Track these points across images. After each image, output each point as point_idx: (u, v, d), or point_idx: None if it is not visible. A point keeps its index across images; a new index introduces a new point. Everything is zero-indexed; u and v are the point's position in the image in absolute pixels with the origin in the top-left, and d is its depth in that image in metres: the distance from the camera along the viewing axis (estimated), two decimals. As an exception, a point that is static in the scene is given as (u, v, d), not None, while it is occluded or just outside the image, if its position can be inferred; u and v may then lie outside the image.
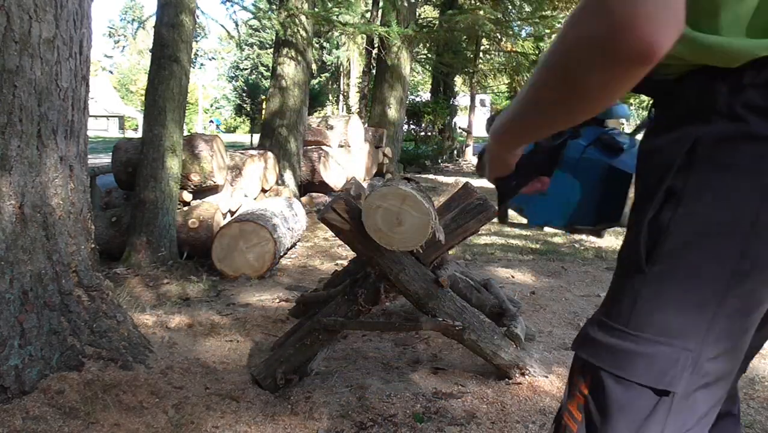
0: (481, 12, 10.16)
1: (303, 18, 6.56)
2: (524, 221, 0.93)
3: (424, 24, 12.16)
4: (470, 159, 16.90)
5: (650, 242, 0.69)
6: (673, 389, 0.66)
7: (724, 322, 0.66)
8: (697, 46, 0.64)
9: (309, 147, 7.14)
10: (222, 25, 6.88)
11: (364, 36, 11.80)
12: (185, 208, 4.35)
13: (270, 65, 8.45)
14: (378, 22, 9.65)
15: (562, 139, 0.92)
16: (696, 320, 0.66)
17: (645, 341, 0.67)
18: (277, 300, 3.29)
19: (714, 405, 0.71)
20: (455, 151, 16.93)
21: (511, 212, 1.01)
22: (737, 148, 0.64)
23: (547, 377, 2.14)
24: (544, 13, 11.71)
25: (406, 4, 9.84)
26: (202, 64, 53.07)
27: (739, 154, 0.64)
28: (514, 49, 16.74)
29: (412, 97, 18.29)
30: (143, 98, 4.65)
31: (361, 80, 20.77)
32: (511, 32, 12.63)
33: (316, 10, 6.66)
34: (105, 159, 10.69)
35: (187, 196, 4.39)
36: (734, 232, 0.64)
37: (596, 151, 0.92)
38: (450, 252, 2.86)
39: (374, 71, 12.20)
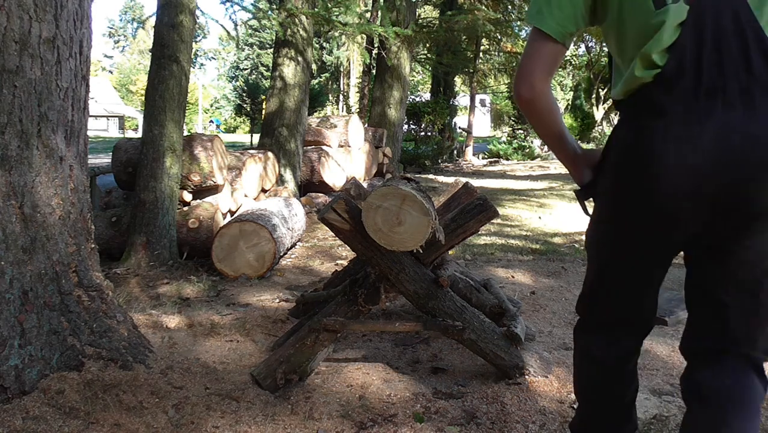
0: (481, 12, 10.15)
1: (303, 18, 6.56)
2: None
3: (424, 24, 12.16)
4: (470, 159, 16.90)
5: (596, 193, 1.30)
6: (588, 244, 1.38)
7: (601, 238, 1.30)
8: (615, 91, 1.23)
9: (309, 147, 7.14)
10: (222, 26, 6.87)
11: (364, 36, 11.80)
12: (185, 209, 4.35)
13: (270, 65, 8.45)
14: (378, 22, 9.65)
15: None
16: (590, 232, 1.33)
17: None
18: (277, 300, 3.29)
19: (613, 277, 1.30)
20: (455, 151, 16.92)
21: None
22: (610, 146, 1.23)
23: (547, 377, 2.14)
24: (543, 13, 11.69)
25: (405, 5, 9.84)
26: (202, 64, 53.16)
27: (611, 150, 1.22)
28: (514, 50, 16.75)
29: (412, 97, 18.27)
30: (143, 98, 4.65)
31: (361, 80, 20.77)
32: (510, 32, 12.63)
33: (316, 10, 6.66)
34: (105, 159, 10.69)
35: (187, 196, 4.39)
36: (606, 192, 1.25)
37: None
38: (450, 252, 2.86)
39: (374, 71, 12.20)
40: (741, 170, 1.05)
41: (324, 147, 7.24)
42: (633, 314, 1.32)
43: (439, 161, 14.97)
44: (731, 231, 1.12)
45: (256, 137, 10.00)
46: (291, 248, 4.76)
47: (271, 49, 8.97)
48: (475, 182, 9.42)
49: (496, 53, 16.94)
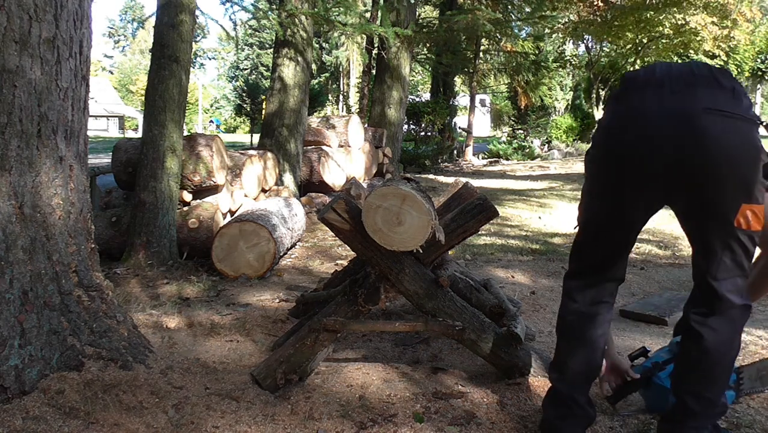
0: (480, 12, 10.14)
1: (302, 18, 6.56)
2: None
3: (424, 24, 12.16)
4: (470, 159, 16.90)
5: None
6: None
7: (586, 200, 1.71)
8: None
9: (309, 147, 7.14)
10: (221, 26, 6.87)
11: (364, 36, 11.79)
12: (185, 209, 4.35)
13: (270, 65, 8.45)
14: (378, 22, 9.65)
15: (651, 372, 1.89)
16: (582, 200, 1.73)
17: None
18: (277, 300, 3.29)
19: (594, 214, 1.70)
20: (455, 151, 16.90)
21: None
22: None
23: (547, 376, 2.14)
24: (543, 13, 11.71)
25: (405, 5, 9.83)
26: (202, 64, 53.16)
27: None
28: (514, 49, 16.74)
29: (412, 97, 18.25)
30: (143, 98, 4.65)
31: (361, 80, 20.78)
32: (510, 32, 12.63)
33: (316, 10, 6.65)
34: (105, 159, 10.68)
35: (187, 196, 4.39)
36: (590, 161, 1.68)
37: (666, 379, 1.84)
38: (450, 252, 2.86)
39: (374, 71, 12.20)
40: (677, 128, 1.45)
41: (324, 147, 7.24)
42: (608, 261, 1.70)
43: (439, 161, 14.96)
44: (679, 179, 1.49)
45: (256, 137, 9.99)
46: (291, 248, 4.76)
47: (271, 50, 8.96)
48: (475, 182, 9.42)
49: (496, 53, 16.93)
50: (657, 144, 1.47)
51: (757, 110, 41.92)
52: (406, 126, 14.44)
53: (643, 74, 1.54)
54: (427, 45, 12.93)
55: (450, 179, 10.59)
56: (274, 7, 8.96)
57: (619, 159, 1.54)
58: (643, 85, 1.52)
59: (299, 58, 6.69)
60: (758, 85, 36.31)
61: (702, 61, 1.56)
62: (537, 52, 19.09)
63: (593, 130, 1.74)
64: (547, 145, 21.41)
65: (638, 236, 1.73)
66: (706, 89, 1.45)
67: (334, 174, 7.08)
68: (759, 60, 29.12)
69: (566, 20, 17.40)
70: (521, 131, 22.85)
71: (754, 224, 1.51)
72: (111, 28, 61.94)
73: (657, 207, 1.62)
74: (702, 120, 1.42)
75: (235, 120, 41.89)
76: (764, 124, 1.51)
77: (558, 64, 19.56)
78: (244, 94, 20.50)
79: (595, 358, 1.74)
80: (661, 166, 1.48)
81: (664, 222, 5.77)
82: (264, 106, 7.41)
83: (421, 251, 1.94)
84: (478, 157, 17.95)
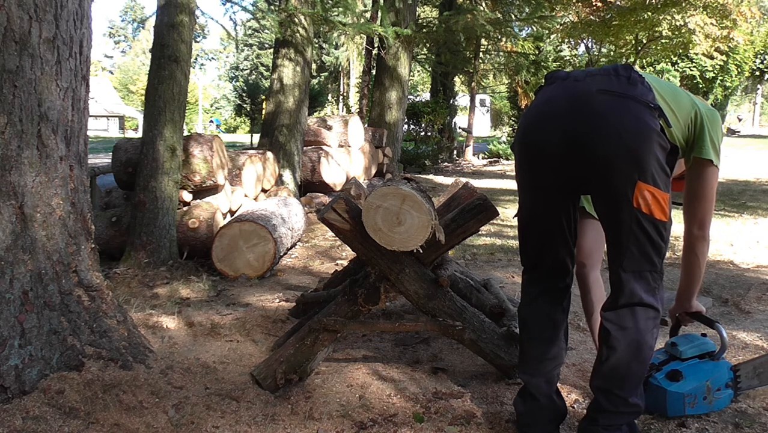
0: (479, 12, 10.14)
1: (302, 18, 6.56)
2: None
3: (424, 24, 12.15)
4: (470, 159, 16.90)
5: None
6: None
7: (519, 193, 1.82)
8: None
9: (308, 147, 7.14)
10: (222, 25, 6.87)
11: (364, 36, 11.79)
12: (185, 208, 4.35)
13: (270, 65, 8.44)
14: (378, 22, 9.65)
15: (648, 373, 1.82)
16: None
17: None
18: (277, 300, 3.29)
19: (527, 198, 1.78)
20: (455, 151, 16.90)
21: None
22: None
23: (547, 377, 2.14)
24: (542, 13, 11.71)
25: (405, 4, 9.82)
26: (202, 65, 53.20)
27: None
28: (513, 49, 16.74)
29: (412, 97, 18.23)
30: (143, 98, 4.64)
31: (360, 80, 20.79)
32: (510, 32, 12.62)
33: (315, 10, 6.65)
34: (105, 159, 10.68)
35: (187, 196, 4.39)
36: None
37: (663, 379, 1.84)
38: (450, 252, 2.86)
39: (374, 71, 12.20)
40: (573, 106, 1.58)
41: (324, 147, 7.24)
42: (541, 252, 1.80)
43: (439, 161, 14.95)
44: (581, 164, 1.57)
45: (256, 137, 10.00)
46: (291, 247, 4.75)
47: (271, 50, 8.96)
48: (475, 182, 9.40)
49: (496, 53, 16.93)
50: (557, 122, 1.59)
51: (757, 110, 41.72)
52: (406, 126, 14.43)
53: (558, 73, 1.71)
54: (427, 45, 12.92)
55: (450, 179, 10.58)
56: (273, 7, 8.95)
57: (530, 139, 1.67)
58: (555, 80, 1.69)
59: (299, 58, 6.69)
60: (758, 85, 36.28)
61: (616, 63, 1.72)
62: (537, 52, 19.09)
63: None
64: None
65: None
66: (604, 77, 1.59)
67: (334, 174, 7.08)
68: (759, 60, 29.12)
69: (566, 20, 17.40)
70: (521, 131, 22.77)
71: (655, 209, 1.52)
72: (111, 28, 61.98)
73: (574, 194, 1.70)
74: (595, 97, 1.55)
75: (235, 120, 41.83)
76: (654, 106, 1.52)
77: (558, 64, 19.54)
78: (244, 95, 20.49)
79: (550, 349, 1.77)
80: (563, 143, 1.57)
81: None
82: (264, 106, 7.41)
83: (421, 251, 1.94)
84: (478, 157, 17.93)
